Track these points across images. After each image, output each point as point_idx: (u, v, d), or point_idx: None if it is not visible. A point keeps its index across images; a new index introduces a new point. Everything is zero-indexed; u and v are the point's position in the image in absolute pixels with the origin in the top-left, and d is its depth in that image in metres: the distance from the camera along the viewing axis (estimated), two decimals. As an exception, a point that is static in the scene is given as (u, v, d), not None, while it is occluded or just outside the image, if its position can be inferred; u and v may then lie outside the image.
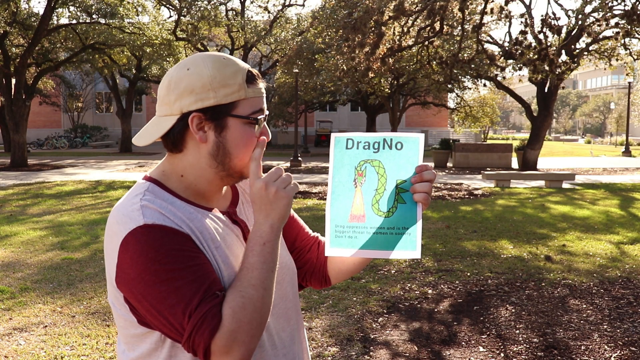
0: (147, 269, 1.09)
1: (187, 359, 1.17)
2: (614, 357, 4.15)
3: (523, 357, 4.16)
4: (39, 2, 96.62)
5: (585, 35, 18.34)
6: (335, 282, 1.52)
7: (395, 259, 1.27)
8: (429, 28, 14.83)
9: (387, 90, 25.69)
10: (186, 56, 32.65)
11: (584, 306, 5.30)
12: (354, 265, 1.44)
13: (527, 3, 19.48)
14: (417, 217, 1.24)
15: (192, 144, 1.24)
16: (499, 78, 21.85)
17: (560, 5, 18.56)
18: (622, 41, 18.77)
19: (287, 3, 32.23)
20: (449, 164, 24.37)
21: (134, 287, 1.11)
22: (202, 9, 25.41)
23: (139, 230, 1.12)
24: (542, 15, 14.40)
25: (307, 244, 1.51)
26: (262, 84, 1.28)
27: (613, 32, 18.29)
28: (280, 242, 1.27)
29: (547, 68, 14.45)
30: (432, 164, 1.21)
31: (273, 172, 1.20)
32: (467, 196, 13.32)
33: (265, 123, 1.28)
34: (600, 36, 19.12)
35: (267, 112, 1.29)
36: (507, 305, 5.30)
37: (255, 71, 1.27)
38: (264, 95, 1.28)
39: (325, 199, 12.77)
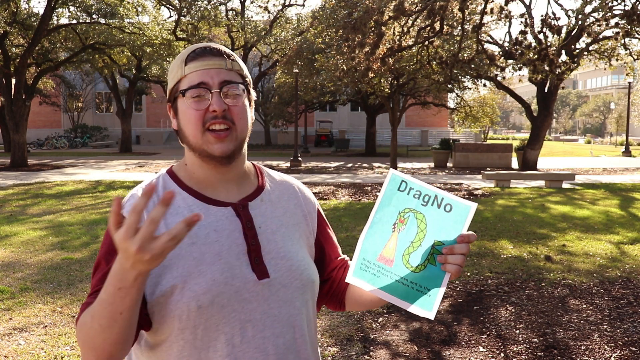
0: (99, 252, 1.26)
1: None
2: (614, 357, 4.15)
3: (523, 357, 4.16)
4: (39, 2, 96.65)
5: (585, 35, 18.34)
6: (350, 310, 1.52)
7: (413, 312, 1.26)
8: (429, 28, 14.83)
9: (387, 90, 25.67)
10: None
11: (584, 306, 5.30)
12: (371, 301, 1.41)
13: (527, 3, 19.49)
14: (442, 284, 1.22)
15: None
16: (499, 78, 21.85)
17: (560, 5, 18.57)
18: (622, 41, 18.78)
19: (287, 3, 32.23)
20: (449, 164, 24.37)
21: None
22: (202, 9, 25.42)
23: None
24: (542, 15, 14.41)
25: (335, 265, 1.49)
26: (213, 60, 1.26)
27: (613, 32, 18.30)
28: (303, 247, 1.36)
29: (547, 68, 14.45)
30: (474, 235, 1.20)
31: (166, 236, 1.00)
32: (467, 196, 13.32)
33: (219, 94, 1.24)
34: (600, 36, 19.12)
35: (228, 85, 1.25)
36: (507, 305, 5.30)
37: (206, 46, 1.28)
38: (212, 68, 1.25)
39: (325, 199, 12.80)
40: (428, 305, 1.23)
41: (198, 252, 1.22)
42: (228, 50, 1.30)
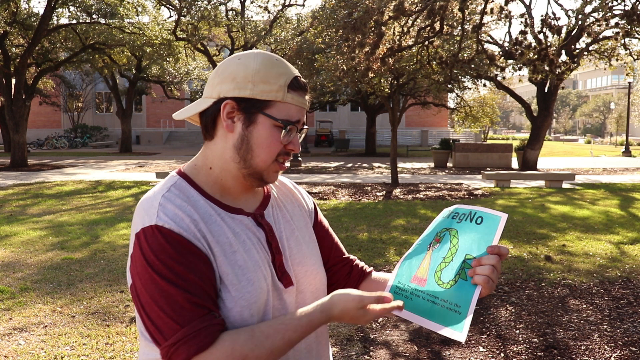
0: (146, 270, 1.12)
1: None
2: (614, 357, 4.15)
3: (523, 357, 4.16)
4: (39, 2, 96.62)
5: (585, 35, 18.34)
6: None
7: (444, 335, 1.22)
8: (429, 28, 14.83)
9: (387, 90, 25.68)
10: (186, 56, 32.53)
11: (584, 306, 5.30)
12: None
13: (527, 3, 19.50)
14: (472, 299, 1.18)
15: (222, 133, 1.25)
16: (499, 78, 21.84)
17: (560, 5, 18.58)
18: (622, 41, 18.77)
19: (287, 3, 32.24)
20: (449, 164, 24.36)
21: (136, 282, 1.15)
22: (202, 9, 25.41)
23: (149, 230, 1.14)
24: (542, 15, 14.41)
25: (341, 264, 1.48)
26: (307, 97, 1.27)
27: (613, 32, 18.29)
28: (314, 246, 1.37)
29: (547, 68, 14.45)
30: (507, 248, 1.19)
31: (380, 310, 1.19)
32: (467, 196, 13.32)
33: (299, 136, 1.27)
34: (600, 36, 19.12)
35: (305, 127, 1.29)
36: (507, 305, 5.30)
37: (303, 81, 1.27)
38: (306, 107, 1.27)
39: (325, 199, 12.80)
40: (459, 326, 1.17)
41: (242, 260, 1.21)
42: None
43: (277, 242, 1.29)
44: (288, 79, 1.23)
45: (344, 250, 1.51)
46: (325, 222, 1.50)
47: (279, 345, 1.14)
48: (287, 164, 1.28)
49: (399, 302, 1.20)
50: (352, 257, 1.51)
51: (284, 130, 1.22)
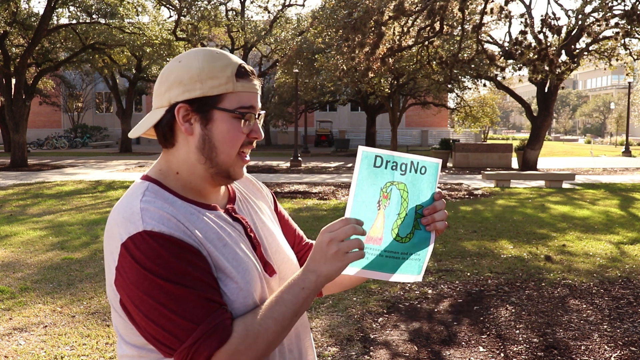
0: (145, 277, 1.10)
1: None
2: (614, 357, 4.15)
3: (523, 357, 4.16)
4: (39, 2, 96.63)
5: (585, 35, 18.35)
6: (327, 293, 1.52)
7: (396, 281, 1.23)
8: (429, 28, 14.83)
9: (387, 90, 25.69)
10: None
11: (584, 306, 5.30)
12: (349, 280, 1.45)
13: (527, 3, 19.49)
14: (430, 243, 1.25)
15: (182, 138, 1.24)
16: (499, 78, 21.85)
17: (560, 5, 18.57)
18: (622, 41, 18.78)
19: (287, 3, 32.23)
20: (449, 164, 24.36)
21: (131, 292, 1.12)
22: (202, 9, 25.43)
23: (138, 237, 1.12)
24: (542, 15, 14.41)
25: (304, 250, 1.52)
26: (256, 82, 1.26)
27: (613, 32, 18.30)
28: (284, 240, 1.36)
29: (547, 68, 14.45)
30: (441, 191, 1.25)
31: (342, 230, 1.13)
32: (467, 196, 13.32)
33: (258, 121, 1.27)
34: (600, 36, 19.12)
35: (261, 112, 1.28)
36: (507, 305, 5.30)
37: (249, 67, 1.26)
38: (257, 92, 1.26)
39: (325, 199, 12.80)
40: (417, 269, 1.24)
41: (234, 252, 1.22)
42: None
43: (255, 233, 1.31)
44: (234, 69, 1.22)
45: (304, 236, 1.55)
46: (284, 211, 1.53)
47: (283, 312, 1.15)
48: (248, 158, 1.28)
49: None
50: (312, 242, 1.54)
51: (242, 120, 1.22)
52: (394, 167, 1.21)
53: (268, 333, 1.14)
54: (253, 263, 1.24)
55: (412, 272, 1.24)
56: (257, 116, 1.26)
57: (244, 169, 1.30)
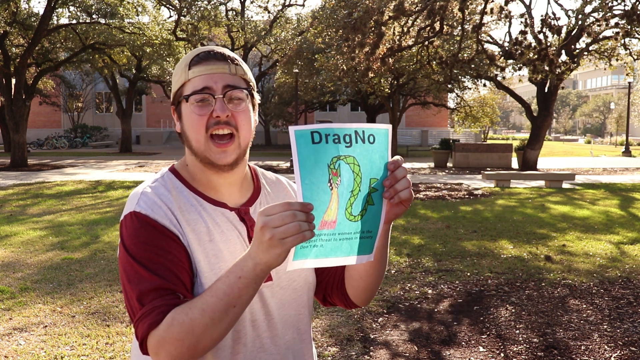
0: (125, 253, 1.20)
1: None
2: (614, 357, 4.15)
3: (523, 357, 4.16)
4: (39, 2, 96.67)
5: (585, 35, 18.35)
6: (358, 302, 1.41)
7: (351, 264, 1.15)
8: (429, 28, 14.83)
9: (387, 90, 25.69)
10: (186, 56, 33.18)
11: (584, 306, 5.30)
12: (365, 271, 1.32)
13: (527, 3, 19.49)
14: (381, 219, 1.14)
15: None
16: (499, 78, 21.85)
17: (560, 5, 18.58)
18: (622, 41, 18.78)
19: (287, 3, 32.23)
20: (449, 164, 24.36)
21: (120, 266, 1.23)
22: (202, 9, 25.43)
23: (129, 216, 1.22)
24: (542, 15, 14.41)
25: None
26: (218, 63, 1.25)
27: (613, 32, 18.30)
28: None
29: (547, 68, 14.45)
30: (401, 158, 1.11)
31: (279, 216, 1.02)
32: (467, 196, 13.32)
33: (222, 99, 1.23)
34: (600, 36, 19.12)
35: (229, 90, 1.24)
36: (507, 305, 5.30)
37: (217, 50, 1.27)
38: (217, 72, 1.25)
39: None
40: (368, 248, 1.15)
41: (217, 249, 1.25)
42: (232, 54, 1.29)
43: None
44: (188, 60, 1.28)
45: None
46: None
47: (212, 302, 1.10)
48: (221, 132, 1.24)
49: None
50: None
51: (198, 102, 1.24)
52: (336, 140, 1.07)
53: (194, 324, 1.10)
54: None
55: (365, 251, 1.15)
56: (222, 95, 1.23)
57: (231, 156, 1.26)
